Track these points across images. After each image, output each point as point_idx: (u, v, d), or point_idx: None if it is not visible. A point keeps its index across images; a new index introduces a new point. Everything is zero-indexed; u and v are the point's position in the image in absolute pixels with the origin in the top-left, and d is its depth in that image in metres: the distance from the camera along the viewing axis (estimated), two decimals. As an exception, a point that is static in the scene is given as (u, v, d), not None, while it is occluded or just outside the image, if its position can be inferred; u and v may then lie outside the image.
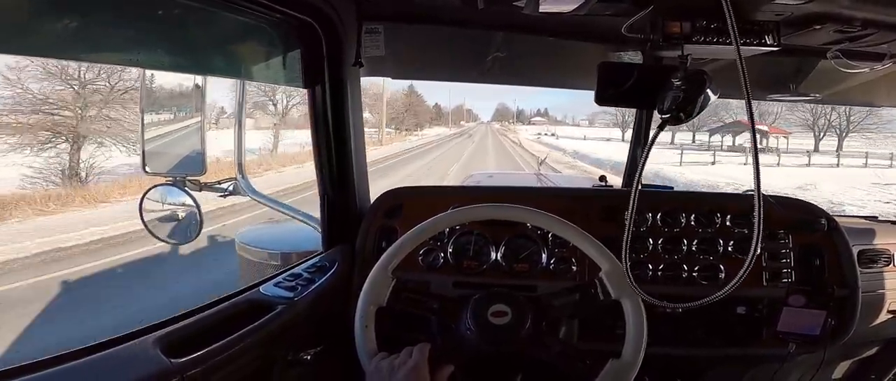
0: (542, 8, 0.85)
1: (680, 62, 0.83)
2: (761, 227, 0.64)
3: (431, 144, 30.65)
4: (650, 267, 1.22)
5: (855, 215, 1.59)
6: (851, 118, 24.26)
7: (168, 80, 1.21)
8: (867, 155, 20.90)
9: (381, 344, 0.88)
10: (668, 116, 0.82)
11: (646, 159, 0.88)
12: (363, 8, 1.22)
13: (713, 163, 19.12)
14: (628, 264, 0.84)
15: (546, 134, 50.71)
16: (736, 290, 0.71)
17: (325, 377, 1.13)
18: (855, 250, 1.25)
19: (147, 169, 1.22)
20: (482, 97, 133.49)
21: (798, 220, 1.24)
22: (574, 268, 1.21)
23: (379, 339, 0.89)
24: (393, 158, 19.05)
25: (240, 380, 0.89)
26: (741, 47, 0.66)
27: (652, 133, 0.96)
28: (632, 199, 0.80)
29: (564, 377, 0.88)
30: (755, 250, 0.64)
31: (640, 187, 0.84)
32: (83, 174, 11.83)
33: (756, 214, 0.63)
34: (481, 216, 1.02)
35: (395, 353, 0.85)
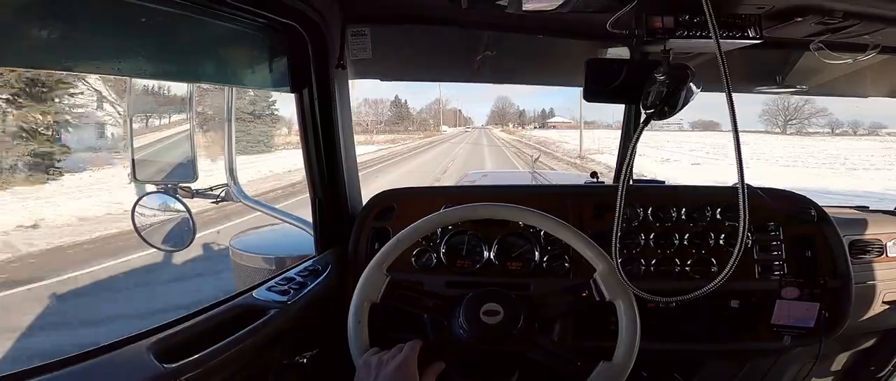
0: (526, 6, 0.86)
1: (663, 57, 0.84)
2: (747, 217, 0.64)
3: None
4: (642, 263, 1.22)
5: (845, 205, 1.60)
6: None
7: (154, 88, 1.20)
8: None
9: (375, 342, 0.88)
10: (651, 110, 0.83)
11: (633, 155, 0.89)
12: (347, 11, 1.21)
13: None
14: (620, 260, 0.84)
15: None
16: (729, 283, 0.71)
17: (320, 380, 1.13)
18: (846, 241, 1.25)
19: (137, 178, 1.22)
20: (474, 100, 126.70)
21: (787, 211, 1.25)
22: (567, 266, 1.21)
23: (372, 337, 0.89)
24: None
25: None
26: (724, 40, 0.67)
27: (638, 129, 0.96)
28: (620, 193, 0.80)
29: (557, 377, 0.88)
30: (742, 241, 0.64)
31: (630, 183, 0.84)
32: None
33: (740, 205, 0.63)
34: (474, 216, 1.02)
35: (386, 349, 0.85)
